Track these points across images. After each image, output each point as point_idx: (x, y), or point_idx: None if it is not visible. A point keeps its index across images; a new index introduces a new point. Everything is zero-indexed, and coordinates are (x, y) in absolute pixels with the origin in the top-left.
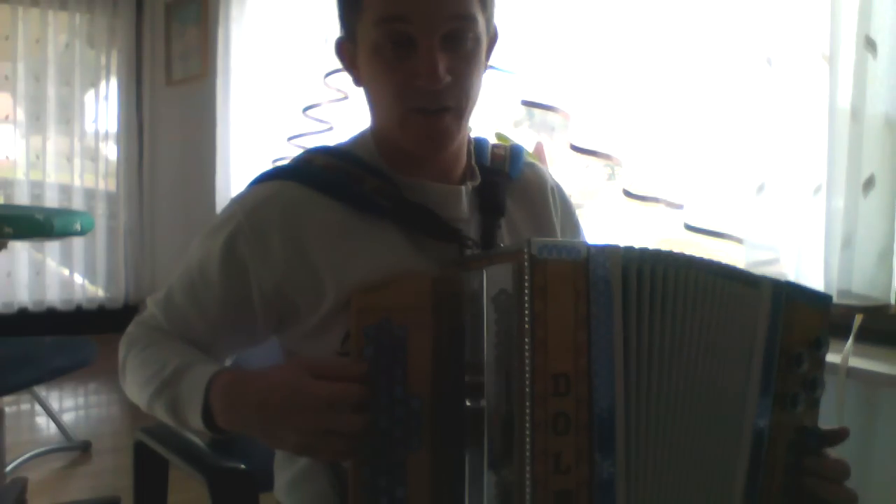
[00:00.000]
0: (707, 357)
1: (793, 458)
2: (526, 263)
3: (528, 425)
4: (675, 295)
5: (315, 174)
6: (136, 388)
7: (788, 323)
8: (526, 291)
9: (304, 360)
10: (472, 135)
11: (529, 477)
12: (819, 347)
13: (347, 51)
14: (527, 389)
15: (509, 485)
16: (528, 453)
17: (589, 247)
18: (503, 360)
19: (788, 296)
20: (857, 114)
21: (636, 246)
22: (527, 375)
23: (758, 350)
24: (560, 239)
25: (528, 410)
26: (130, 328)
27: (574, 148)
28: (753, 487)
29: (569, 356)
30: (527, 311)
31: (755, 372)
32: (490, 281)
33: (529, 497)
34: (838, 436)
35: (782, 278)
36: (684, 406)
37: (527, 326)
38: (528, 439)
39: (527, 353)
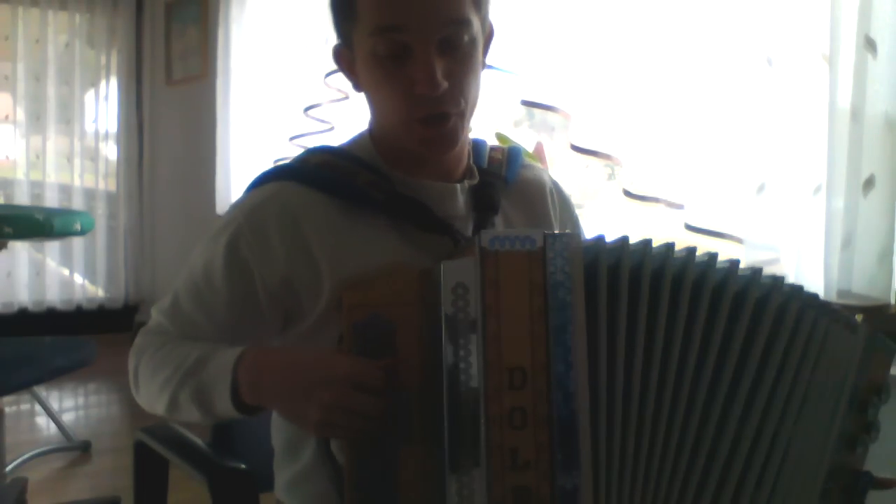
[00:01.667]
0: (755, 373)
1: (846, 500)
2: (477, 255)
3: (482, 420)
4: (676, 294)
5: (310, 172)
6: (154, 389)
7: (868, 368)
8: (478, 284)
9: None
10: (471, 136)
11: (486, 472)
12: (881, 394)
13: (345, 57)
14: (481, 383)
15: (470, 480)
16: (483, 448)
17: (546, 236)
18: (460, 353)
19: (875, 342)
20: (857, 114)
21: (609, 238)
22: (481, 369)
23: (847, 390)
24: (516, 229)
25: (482, 404)
26: (138, 339)
27: (574, 148)
28: None
29: (525, 349)
30: (479, 304)
31: (841, 411)
32: (447, 274)
33: (486, 492)
34: (887, 484)
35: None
36: (695, 412)
37: (479, 320)
38: (483, 434)
39: (480, 347)
